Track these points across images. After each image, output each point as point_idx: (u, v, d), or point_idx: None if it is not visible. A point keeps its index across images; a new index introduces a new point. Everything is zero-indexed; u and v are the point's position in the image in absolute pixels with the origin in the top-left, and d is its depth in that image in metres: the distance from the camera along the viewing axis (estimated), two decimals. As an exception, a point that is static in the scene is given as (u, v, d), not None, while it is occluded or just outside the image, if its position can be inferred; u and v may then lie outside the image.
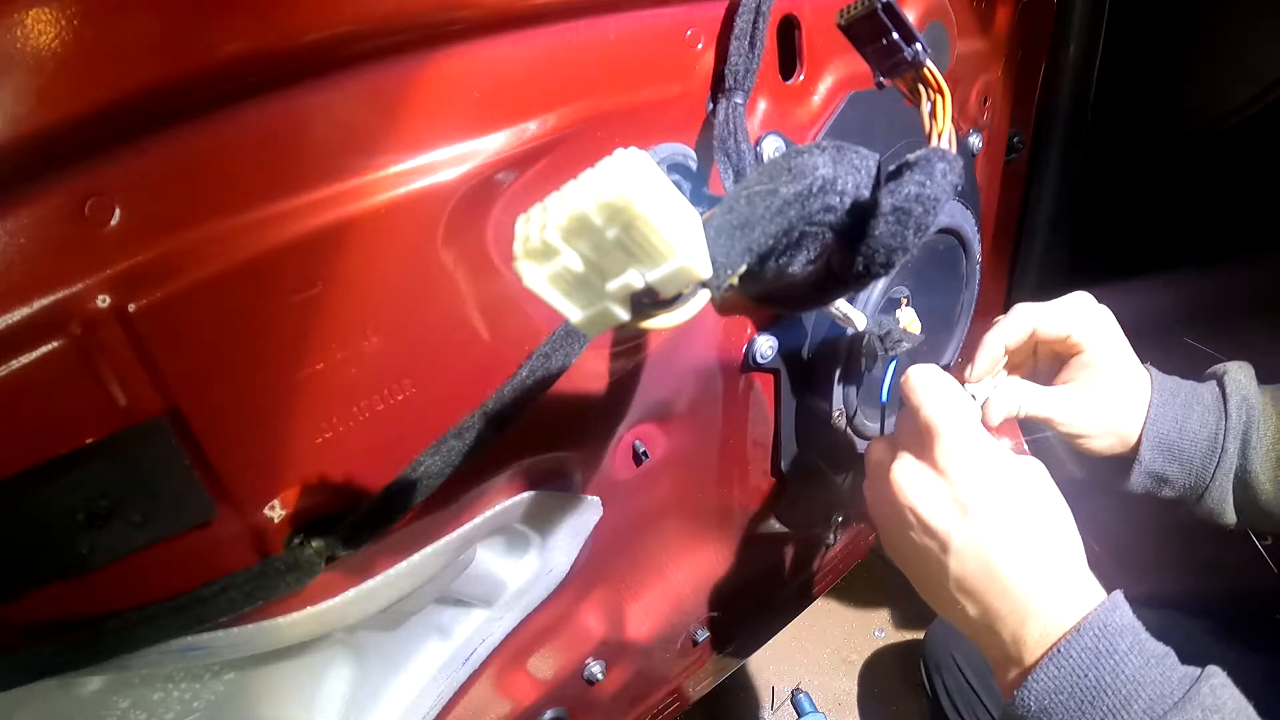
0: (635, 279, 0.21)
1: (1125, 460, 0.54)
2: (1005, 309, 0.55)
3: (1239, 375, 0.54)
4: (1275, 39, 0.68)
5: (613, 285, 0.21)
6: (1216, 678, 0.37)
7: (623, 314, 0.22)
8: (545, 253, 0.21)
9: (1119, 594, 0.40)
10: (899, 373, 0.62)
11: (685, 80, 0.43)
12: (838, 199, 0.25)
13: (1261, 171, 0.72)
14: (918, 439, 0.44)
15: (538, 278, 0.21)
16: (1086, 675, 0.37)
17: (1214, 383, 0.54)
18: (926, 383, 0.44)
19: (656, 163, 0.29)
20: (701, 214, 0.24)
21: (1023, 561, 0.40)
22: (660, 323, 0.23)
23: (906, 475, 0.43)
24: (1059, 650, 0.38)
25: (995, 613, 0.40)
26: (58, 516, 0.30)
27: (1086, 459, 0.56)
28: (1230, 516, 0.54)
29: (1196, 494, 0.53)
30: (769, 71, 0.48)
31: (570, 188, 0.20)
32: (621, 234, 0.20)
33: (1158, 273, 0.74)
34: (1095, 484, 0.58)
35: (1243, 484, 0.52)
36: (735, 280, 0.26)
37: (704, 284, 0.24)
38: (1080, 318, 0.52)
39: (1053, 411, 0.51)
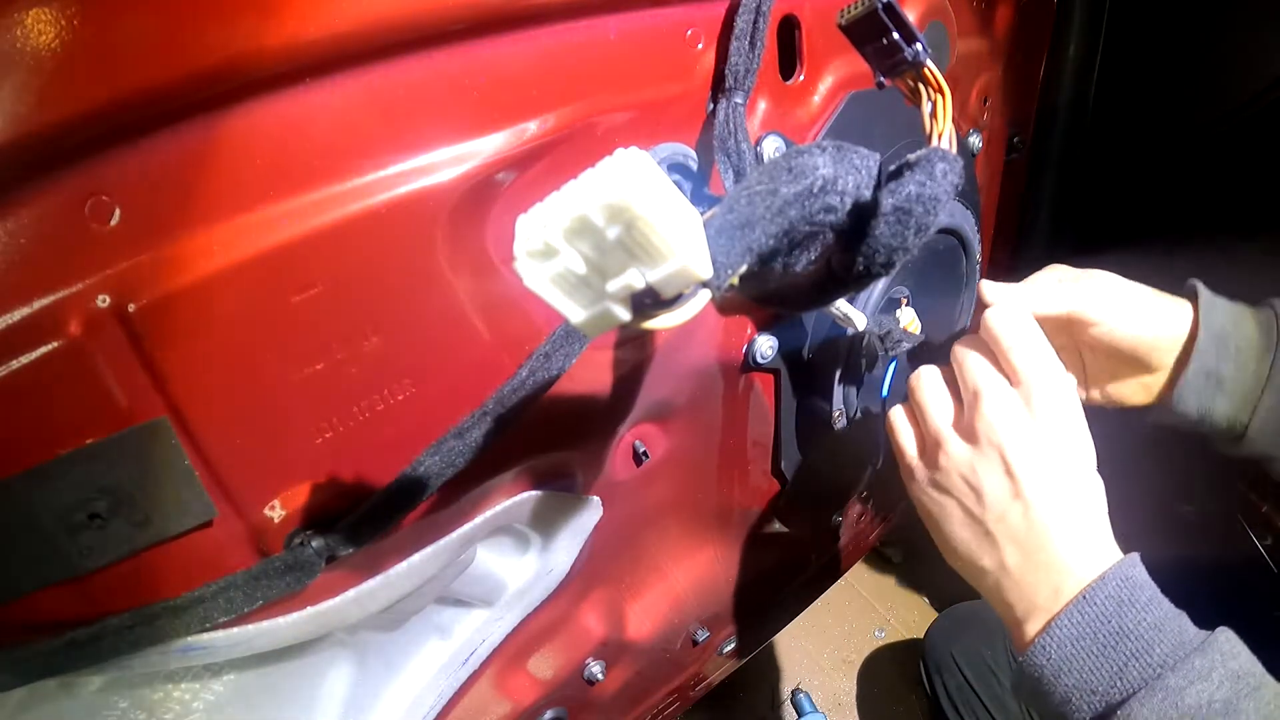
0: (636, 279, 0.21)
1: (1169, 382, 0.51)
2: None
3: None
4: (1276, 37, 0.68)
5: (614, 285, 0.21)
6: (1230, 631, 0.38)
7: (624, 314, 0.22)
8: (546, 253, 0.21)
9: (1136, 555, 0.41)
10: (899, 374, 0.62)
11: (685, 80, 0.43)
12: (838, 199, 0.25)
13: (1264, 170, 0.72)
14: (994, 381, 0.43)
15: (539, 278, 0.21)
16: (1109, 622, 0.38)
17: (1264, 306, 0.52)
18: (1018, 325, 0.43)
19: (657, 163, 0.29)
20: (702, 214, 0.24)
21: (1074, 517, 0.41)
22: (661, 323, 0.23)
23: (1000, 412, 0.42)
24: (1084, 597, 0.39)
25: (1039, 565, 0.41)
26: (58, 516, 0.30)
27: (1108, 407, 0.53)
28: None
29: (1251, 404, 0.50)
30: (769, 71, 0.48)
31: (571, 188, 0.20)
32: (622, 234, 0.20)
33: (1158, 272, 0.74)
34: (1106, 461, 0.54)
35: None
36: (736, 280, 0.26)
37: (704, 284, 0.24)
38: (1074, 289, 0.50)
39: (1078, 293, 0.49)
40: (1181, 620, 0.39)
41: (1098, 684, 0.38)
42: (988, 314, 0.44)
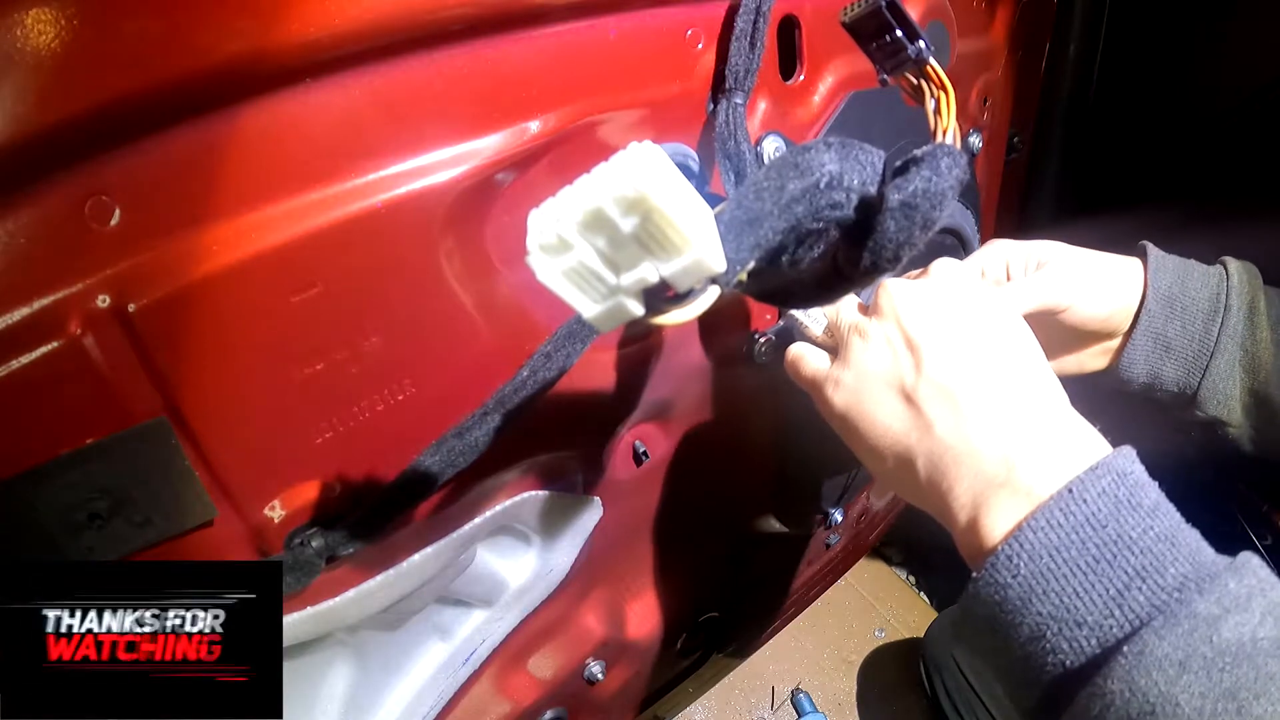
0: (650, 273, 0.21)
1: (1120, 345, 0.49)
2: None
3: (1237, 260, 0.50)
4: (1277, 34, 0.68)
5: (627, 279, 0.21)
6: (1255, 555, 0.28)
7: (637, 309, 0.22)
8: (559, 247, 0.21)
9: (1131, 448, 0.32)
10: None
11: (685, 80, 0.43)
12: (844, 195, 0.25)
13: (1265, 170, 0.72)
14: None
15: (552, 272, 0.21)
16: (1105, 528, 0.28)
17: (1216, 264, 0.50)
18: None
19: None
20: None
21: (1020, 390, 0.33)
22: (673, 318, 0.23)
23: (901, 286, 0.38)
24: (1070, 491, 0.29)
25: (979, 425, 0.33)
26: (58, 516, 0.30)
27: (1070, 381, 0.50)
28: (1237, 412, 0.48)
29: (1199, 367, 0.47)
30: (769, 71, 0.48)
31: (584, 181, 0.20)
32: (638, 227, 0.20)
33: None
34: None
35: (1252, 361, 0.46)
36: (744, 276, 0.26)
37: (714, 280, 0.24)
38: (1036, 283, 0.47)
39: (1041, 281, 0.46)
40: (1197, 535, 0.29)
41: (1087, 612, 0.27)
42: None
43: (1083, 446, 0.32)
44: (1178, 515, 0.30)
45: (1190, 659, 0.25)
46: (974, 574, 0.31)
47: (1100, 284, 0.48)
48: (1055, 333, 0.49)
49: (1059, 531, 0.29)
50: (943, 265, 0.41)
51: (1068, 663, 0.28)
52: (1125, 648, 0.26)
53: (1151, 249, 0.50)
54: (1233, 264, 0.49)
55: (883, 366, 0.37)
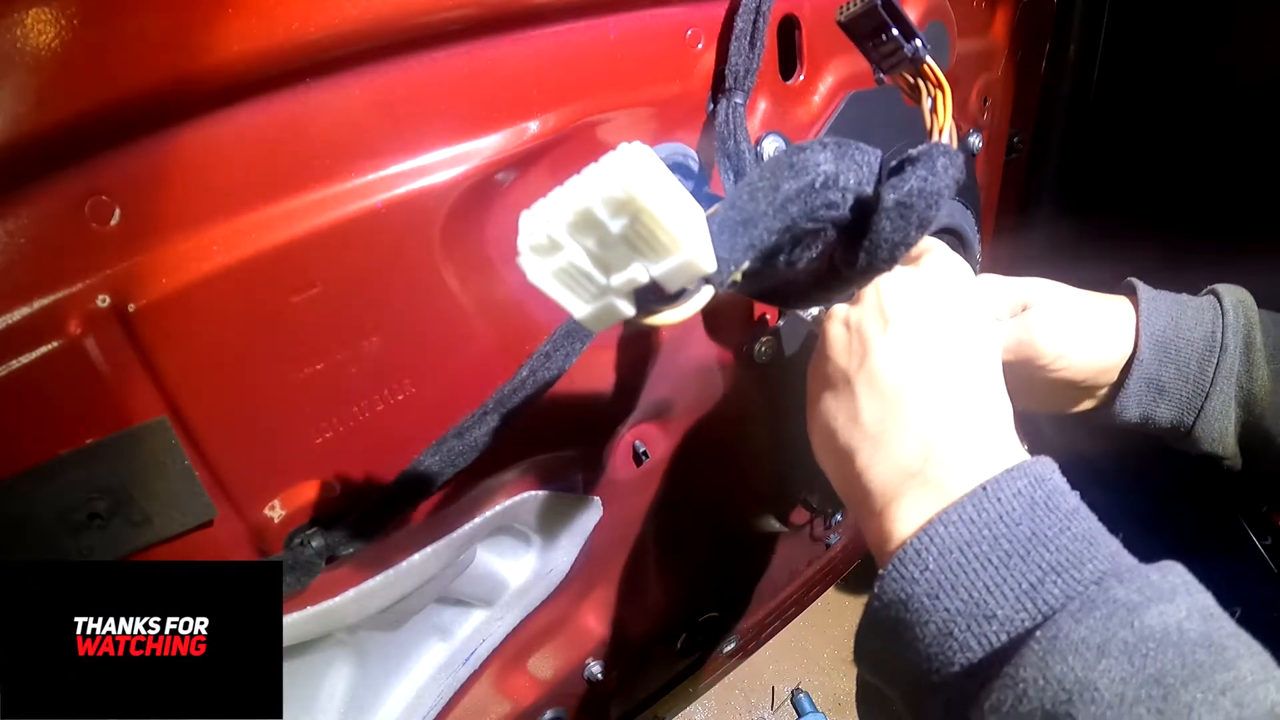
0: (640, 273, 0.21)
1: (1113, 388, 0.48)
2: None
3: (1232, 289, 0.48)
4: (1278, 34, 0.68)
5: (617, 280, 0.21)
6: (1182, 566, 0.27)
7: (628, 309, 0.22)
8: (550, 248, 0.21)
9: (1049, 459, 0.31)
10: None
11: (685, 80, 0.43)
12: (840, 195, 0.25)
13: (1266, 169, 0.72)
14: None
15: (542, 273, 0.21)
16: (1019, 525, 0.27)
17: (1207, 294, 0.49)
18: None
19: (657, 162, 0.29)
20: (704, 212, 0.24)
21: (957, 393, 0.33)
22: (665, 319, 0.23)
23: (891, 278, 0.37)
24: (985, 490, 0.28)
25: (901, 418, 0.32)
26: (58, 516, 0.30)
27: (1060, 415, 0.50)
28: (1231, 445, 0.47)
29: (1194, 408, 0.46)
30: (769, 71, 0.48)
31: (574, 182, 0.20)
32: (626, 227, 0.20)
33: (1158, 271, 0.74)
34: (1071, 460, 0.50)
35: (1247, 397, 0.45)
36: (739, 277, 0.26)
37: (708, 280, 0.24)
38: (1021, 326, 0.46)
39: (1027, 331, 0.45)
40: (1117, 542, 0.28)
41: (998, 606, 0.26)
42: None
43: (1005, 454, 0.31)
44: (1097, 520, 0.29)
45: (1109, 643, 0.23)
46: (879, 571, 0.29)
47: (1090, 333, 0.46)
48: (1040, 380, 0.48)
49: (971, 527, 0.27)
50: (935, 258, 0.39)
51: (977, 660, 0.26)
52: (1038, 633, 0.24)
53: (1142, 288, 0.48)
54: (1227, 296, 0.47)
55: (834, 352, 0.37)
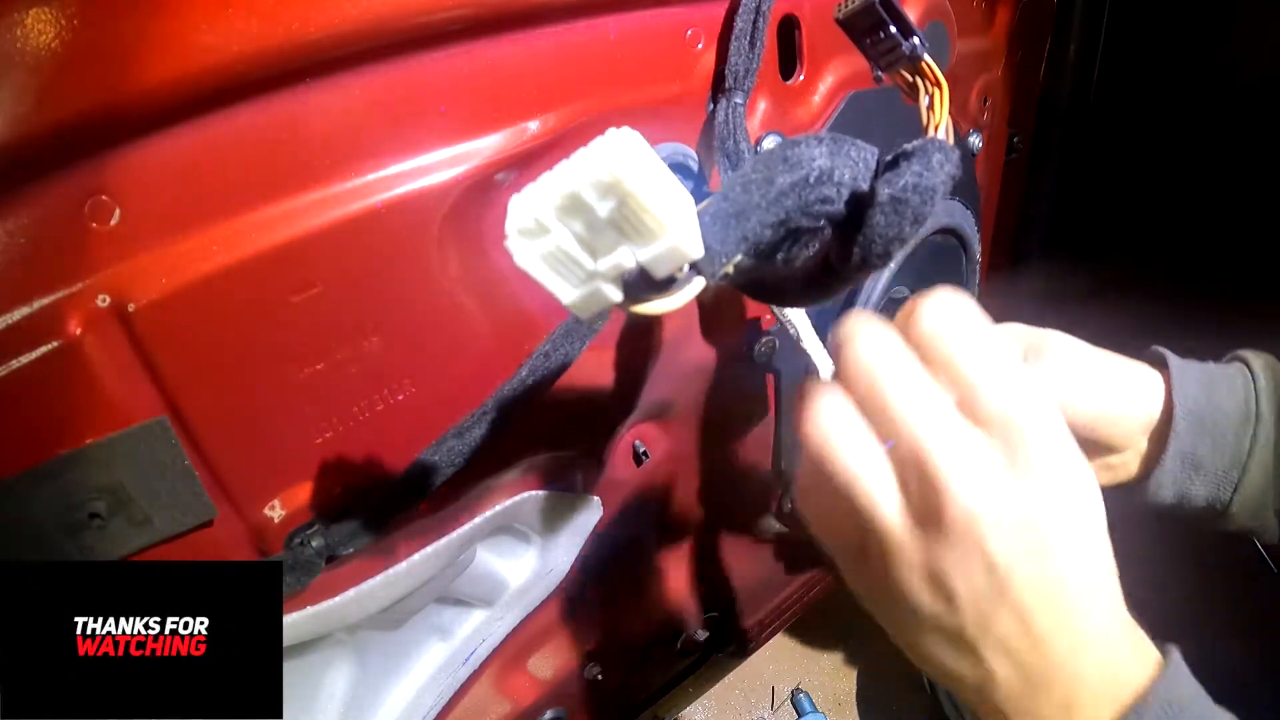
0: (627, 258, 0.21)
1: (1142, 464, 0.44)
2: (1005, 308, 0.54)
3: (1258, 355, 0.45)
4: (1277, 32, 0.68)
5: (604, 264, 0.21)
6: None
7: (615, 295, 0.22)
8: (537, 231, 0.21)
9: (1177, 656, 0.29)
10: None
11: (685, 80, 0.43)
12: (835, 190, 0.25)
13: (1266, 168, 0.72)
14: (947, 427, 0.27)
15: (530, 256, 0.21)
16: None
17: (1234, 361, 0.46)
18: (972, 334, 0.27)
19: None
20: (698, 204, 0.24)
21: (1084, 611, 0.29)
22: (654, 308, 0.23)
23: (968, 477, 0.26)
24: None
25: (1039, 680, 0.29)
26: (58, 516, 0.30)
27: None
28: (1270, 519, 0.44)
29: (1231, 483, 0.42)
30: (769, 71, 0.48)
31: (563, 166, 0.20)
32: (614, 211, 0.20)
33: (1158, 271, 0.74)
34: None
35: None
36: (731, 269, 0.26)
37: (699, 271, 0.23)
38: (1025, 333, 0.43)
39: (1047, 377, 0.41)
40: None
41: None
42: (919, 308, 0.28)
43: (1124, 662, 0.29)
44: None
45: None
46: None
47: (1106, 384, 0.43)
48: None
49: None
50: (1027, 415, 0.27)
51: None
52: None
53: (1172, 359, 0.44)
54: (1255, 362, 0.44)
55: (934, 606, 0.29)
